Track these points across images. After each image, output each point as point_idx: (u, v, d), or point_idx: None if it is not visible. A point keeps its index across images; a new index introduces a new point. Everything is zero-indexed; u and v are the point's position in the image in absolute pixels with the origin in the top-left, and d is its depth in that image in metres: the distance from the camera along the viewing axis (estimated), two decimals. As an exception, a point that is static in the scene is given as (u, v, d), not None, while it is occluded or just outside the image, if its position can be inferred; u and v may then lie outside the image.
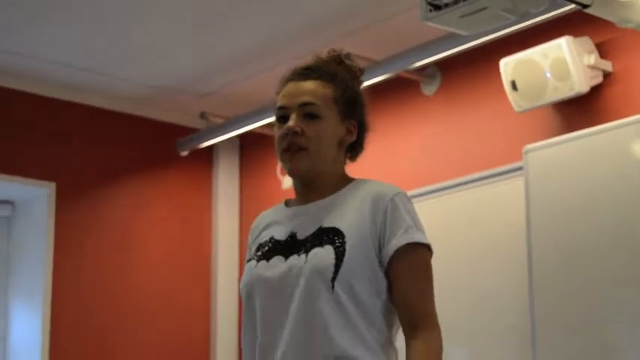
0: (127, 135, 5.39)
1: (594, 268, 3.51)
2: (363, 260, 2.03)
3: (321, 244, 2.04)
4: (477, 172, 4.21)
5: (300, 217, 2.14)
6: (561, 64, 3.85)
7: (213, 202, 5.64)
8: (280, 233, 2.14)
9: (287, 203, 2.23)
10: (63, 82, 5.03)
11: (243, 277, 2.16)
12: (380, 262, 2.05)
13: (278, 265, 2.08)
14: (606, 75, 3.92)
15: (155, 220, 5.44)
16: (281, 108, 2.15)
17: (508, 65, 4.01)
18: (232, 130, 5.24)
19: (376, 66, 4.33)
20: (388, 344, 2.06)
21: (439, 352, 2.02)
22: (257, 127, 5.09)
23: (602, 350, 3.46)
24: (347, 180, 2.18)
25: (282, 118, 2.14)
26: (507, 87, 4.02)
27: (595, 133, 3.64)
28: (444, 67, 4.55)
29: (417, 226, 2.07)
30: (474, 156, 4.34)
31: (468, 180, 4.22)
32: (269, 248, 2.13)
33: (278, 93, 2.18)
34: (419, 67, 4.45)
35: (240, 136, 5.50)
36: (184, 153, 5.48)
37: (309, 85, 2.14)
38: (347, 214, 2.08)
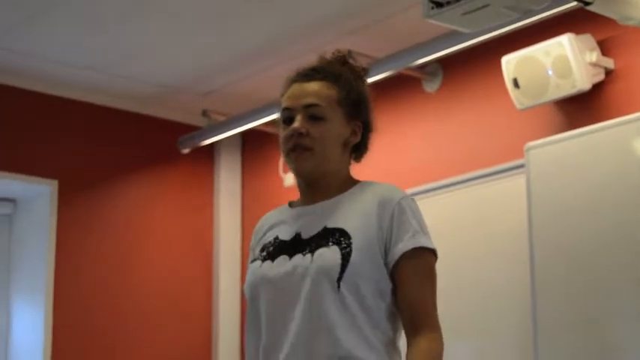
0: (128, 133, 5.38)
1: (596, 266, 3.50)
2: (370, 263, 2.03)
3: (326, 245, 2.04)
4: (479, 169, 4.20)
5: (305, 218, 2.14)
6: (563, 61, 3.85)
7: (215, 200, 5.63)
8: (285, 233, 2.14)
9: (291, 204, 2.23)
10: (64, 81, 5.02)
11: (247, 278, 2.16)
12: (386, 265, 2.05)
13: (283, 264, 2.08)
14: (608, 72, 3.92)
15: (157, 218, 5.44)
16: (286, 109, 2.16)
17: (510, 63, 4.01)
18: (234, 128, 5.23)
19: (378, 63, 4.32)
20: (392, 347, 2.07)
21: (440, 352, 2.03)
22: (259, 125, 5.08)
23: (604, 349, 3.46)
24: (352, 181, 2.19)
25: (288, 120, 2.15)
26: (509, 84, 4.02)
27: (597, 131, 3.63)
28: (446, 64, 4.54)
29: (424, 230, 2.09)
30: (476, 153, 4.34)
31: (469, 177, 4.21)
32: (274, 248, 2.13)
33: (283, 94, 2.19)
34: (421, 64, 4.44)
35: (242, 134, 5.50)
36: (186, 151, 5.47)
37: (314, 86, 2.15)
38: (352, 216, 2.08)
